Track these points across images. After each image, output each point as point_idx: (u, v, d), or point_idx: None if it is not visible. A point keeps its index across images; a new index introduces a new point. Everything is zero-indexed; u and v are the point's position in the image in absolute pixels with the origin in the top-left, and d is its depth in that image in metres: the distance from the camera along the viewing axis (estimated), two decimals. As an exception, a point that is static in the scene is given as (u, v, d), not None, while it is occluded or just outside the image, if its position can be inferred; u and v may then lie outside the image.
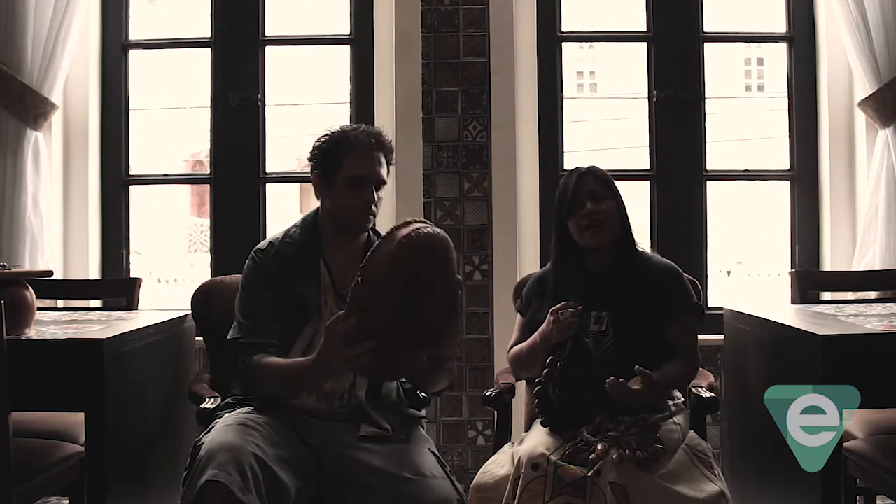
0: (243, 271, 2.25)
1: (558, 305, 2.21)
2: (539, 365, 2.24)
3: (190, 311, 2.63)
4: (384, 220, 3.42)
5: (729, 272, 8.55)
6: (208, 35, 3.63)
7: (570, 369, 2.17)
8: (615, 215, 2.32)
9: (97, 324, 2.47)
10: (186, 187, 8.64)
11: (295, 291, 2.17)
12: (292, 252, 2.23)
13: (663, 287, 2.31)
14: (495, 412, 2.47)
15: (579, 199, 2.31)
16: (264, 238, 2.59)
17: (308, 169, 2.30)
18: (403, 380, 2.24)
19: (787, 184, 3.64)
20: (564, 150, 3.58)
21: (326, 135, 2.24)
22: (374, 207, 2.20)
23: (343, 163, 2.19)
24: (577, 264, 2.35)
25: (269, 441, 1.99)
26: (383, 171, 2.22)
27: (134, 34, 3.68)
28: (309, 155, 2.26)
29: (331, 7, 3.70)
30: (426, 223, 2.00)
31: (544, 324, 2.24)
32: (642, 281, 2.31)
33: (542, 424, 2.22)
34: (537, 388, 2.24)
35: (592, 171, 2.36)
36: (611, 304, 2.25)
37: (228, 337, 2.20)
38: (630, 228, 2.36)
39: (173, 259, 9.66)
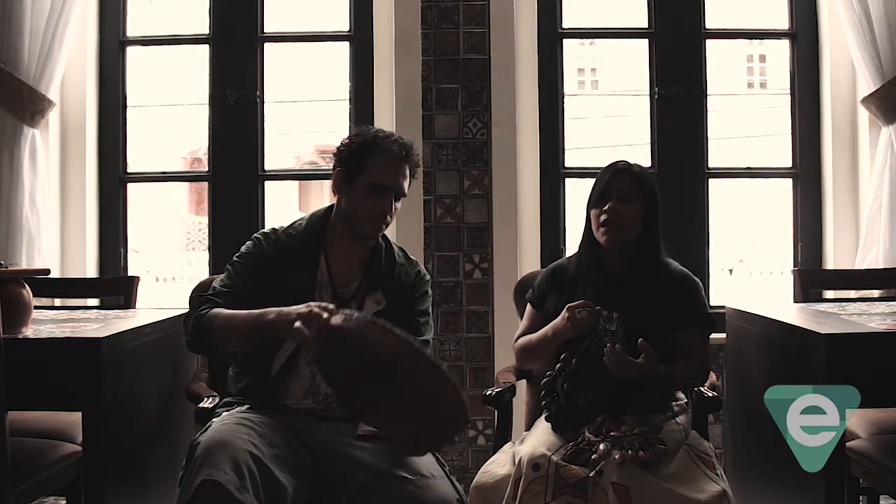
0: (241, 249, 2.24)
1: (576, 303, 2.19)
2: (546, 358, 2.23)
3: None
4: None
5: (731, 270, 8.55)
6: (206, 32, 3.61)
7: (583, 368, 2.15)
8: (636, 219, 2.26)
9: (94, 322, 2.45)
10: (184, 185, 8.63)
11: (284, 282, 2.16)
12: (292, 243, 2.22)
13: (677, 294, 2.28)
14: (496, 411, 2.45)
15: (607, 194, 2.27)
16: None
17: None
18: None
19: (789, 181, 3.62)
20: (565, 147, 3.57)
21: (358, 134, 2.23)
22: (388, 217, 2.19)
23: (368, 167, 2.17)
24: (596, 260, 2.32)
25: (266, 440, 1.98)
26: (405, 184, 2.20)
27: (132, 31, 3.67)
28: (335, 150, 2.25)
29: (330, 3, 3.68)
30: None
31: (558, 318, 2.22)
32: (656, 285, 2.27)
33: (546, 419, 2.21)
34: (546, 379, 2.23)
35: (629, 170, 2.29)
36: (624, 305, 2.22)
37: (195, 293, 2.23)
38: (655, 235, 2.29)
39: (171, 257, 9.66)
